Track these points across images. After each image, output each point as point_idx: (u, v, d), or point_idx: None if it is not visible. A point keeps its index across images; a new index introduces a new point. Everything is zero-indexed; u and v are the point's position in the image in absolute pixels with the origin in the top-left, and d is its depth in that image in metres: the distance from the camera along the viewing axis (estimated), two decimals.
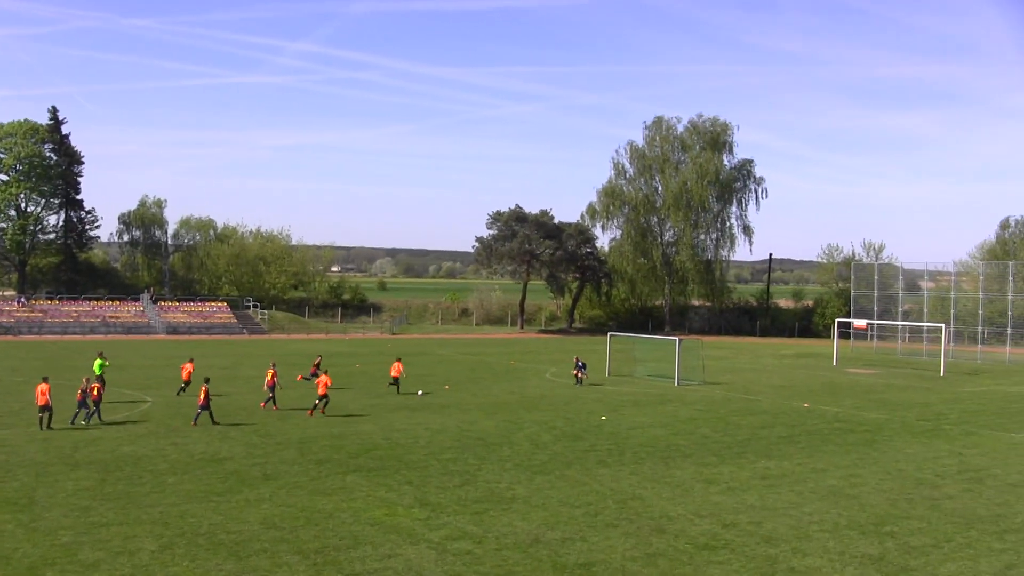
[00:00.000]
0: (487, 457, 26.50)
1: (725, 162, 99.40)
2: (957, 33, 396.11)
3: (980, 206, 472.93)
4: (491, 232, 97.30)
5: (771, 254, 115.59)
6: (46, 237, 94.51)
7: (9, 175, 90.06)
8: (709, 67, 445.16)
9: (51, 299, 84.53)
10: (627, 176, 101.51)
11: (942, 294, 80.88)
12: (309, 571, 15.93)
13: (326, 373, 35.85)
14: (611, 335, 55.36)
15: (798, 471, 25.41)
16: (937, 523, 20.05)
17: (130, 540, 17.49)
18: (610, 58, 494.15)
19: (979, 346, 73.26)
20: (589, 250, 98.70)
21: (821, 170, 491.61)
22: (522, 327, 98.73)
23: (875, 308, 78.85)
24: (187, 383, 38.98)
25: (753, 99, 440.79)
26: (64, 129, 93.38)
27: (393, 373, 41.64)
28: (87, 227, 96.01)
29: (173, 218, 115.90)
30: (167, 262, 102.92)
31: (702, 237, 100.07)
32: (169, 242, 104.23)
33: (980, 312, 75.64)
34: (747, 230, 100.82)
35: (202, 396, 31.44)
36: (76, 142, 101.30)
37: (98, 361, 38.54)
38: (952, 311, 76.51)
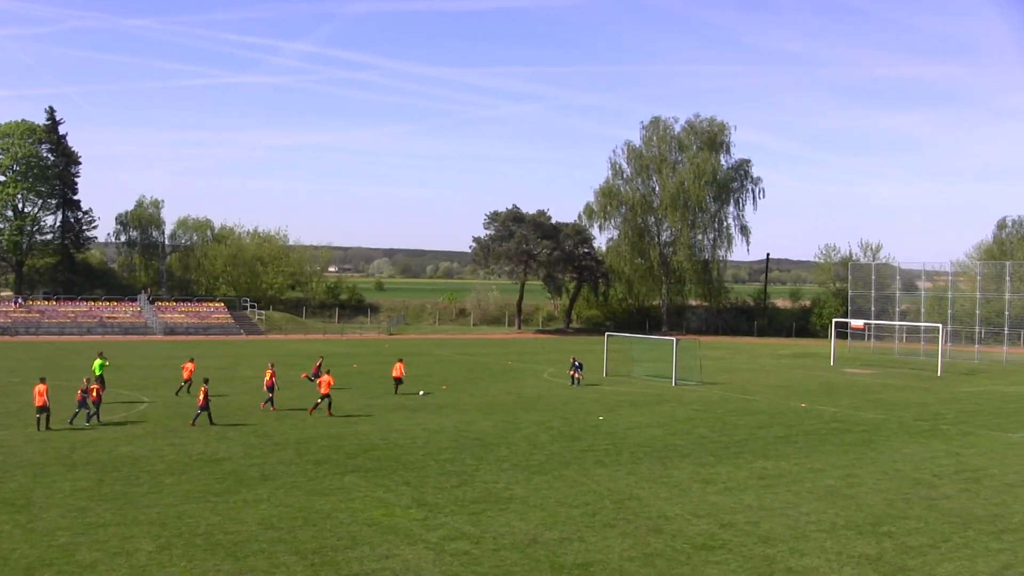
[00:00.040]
0: (485, 457, 26.50)
1: (722, 162, 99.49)
2: (955, 33, 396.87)
3: (977, 206, 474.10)
4: (488, 232, 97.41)
5: (768, 254, 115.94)
6: (43, 237, 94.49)
7: (6, 175, 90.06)
8: (707, 67, 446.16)
9: (48, 300, 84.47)
10: (624, 176, 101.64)
11: (939, 294, 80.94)
12: (307, 571, 15.92)
13: (328, 373, 35.84)
14: (608, 335, 55.37)
15: (795, 471, 25.43)
16: (934, 523, 20.07)
17: (128, 541, 17.48)
18: (608, 58, 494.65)
19: (976, 346, 73.37)
20: (586, 250, 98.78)
21: (819, 170, 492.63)
22: (519, 327, 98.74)
23: (872, 308, 78.90)
24: (188, 382, 38.98)
25: (751, 99, 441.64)
26: (61, 129, 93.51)
27: (395, 374, 41.61)
28: (84, 227, 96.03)
29: (170, 218, 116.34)
30: (164, 262, 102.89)
31: (699, 237, 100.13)
32: (166, 242, 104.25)
33: (977, 312, 75.73)
34: (744, 230, 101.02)
35: (201, 396, 31.42)
36: (73, 142, 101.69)
37: (98, 361, 38.51)
38: (949, 311, 76.57)
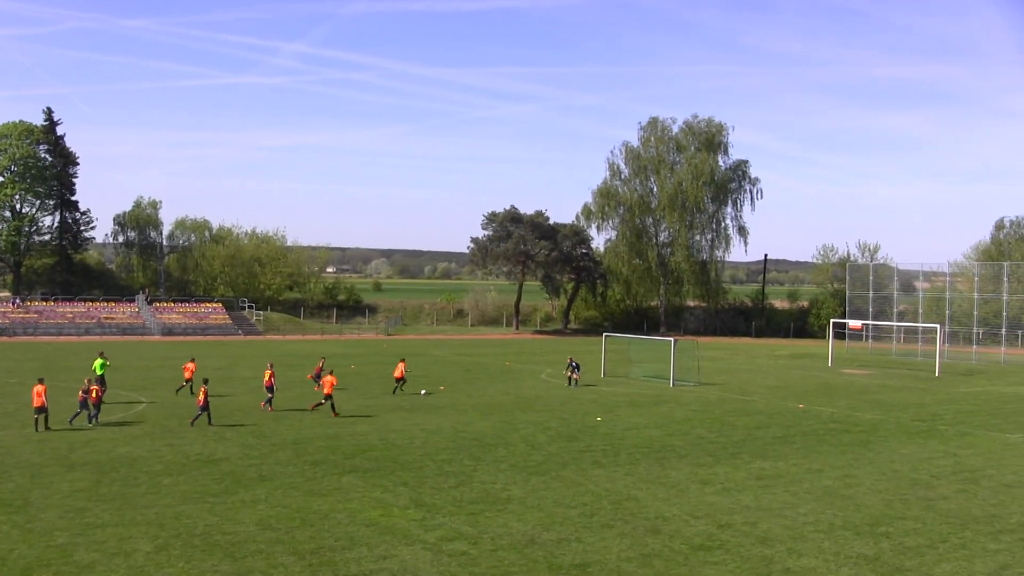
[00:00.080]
0: (482, 458, 26.51)
1: (720, 163, 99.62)
2: (954, 34, 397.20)
3: (976, 207, 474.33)
4: (486, 233, 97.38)
5: (766, 255, 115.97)
6: (41, 238, 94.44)
7: (4, 176, 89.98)
8: (706, 67, 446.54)
9: (46, 300, 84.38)
10: (622, 177, 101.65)
11: (937, 295, 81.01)
12: (304, 572, 15.93)
13: (331, 373, 35.84)
14: (606, 336, 55.38)
15: (793, 472, 25.45)
16: (932, 524, 20.09)
17: (125, 541, 17.48)
18: (606, 59, 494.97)
19: (974, 347, 73.44)
20: (584, 251, 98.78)
21: (817, 171, 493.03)
22: (517, 328, 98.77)
23: (870, 309, 78.98)
24: (189, 382, 38.99)
25: (750, 100, 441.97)
26: (59, 130, 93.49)
27: (397, 374, 41.66)
28: (82, 228, 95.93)
29: (168, 219, 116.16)
30: (162, 263, 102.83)
31: (697, 238, 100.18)
32: (164, 243, 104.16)
33: (975, 313, 75.81)
34: (742, 231, 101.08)
35: (201, 397, 31.42)
36: (71, 143, 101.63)
37: (99, 361, 38.50)
38: (947, 312, 76.65)
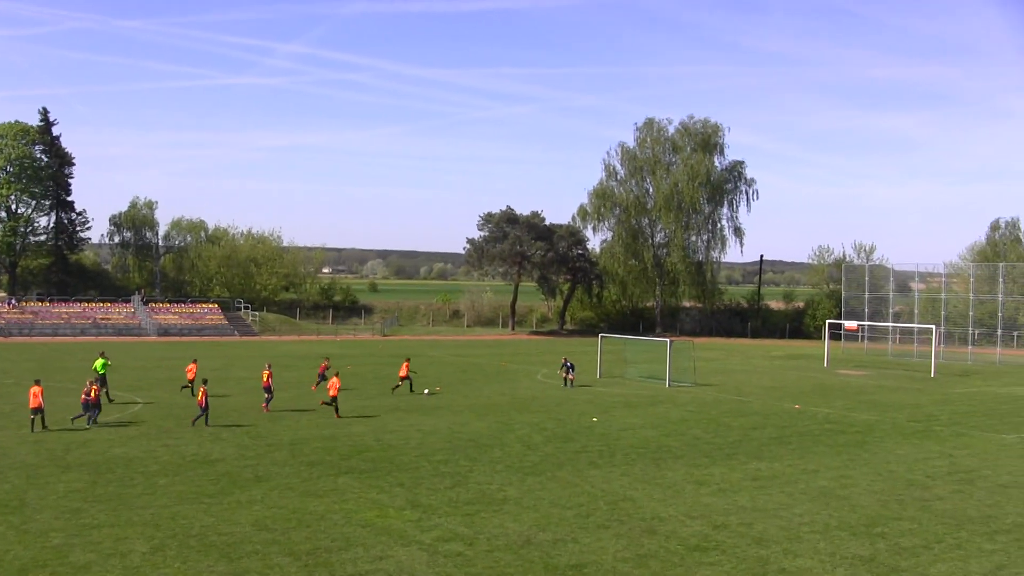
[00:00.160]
0: (478, 459, 26.52)
1: (716, 163, 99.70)
2: (950, 35, 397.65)
3: (972, 207, 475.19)
4: (482, 234, 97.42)
5: (762, 256, 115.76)
6: (37, 239, 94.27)
7: None
8: (702, 68, 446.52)
9: (42, 301, 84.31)
10: (618, 178, 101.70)
11: (933, 295, 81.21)
12: (300, 573, 15.93)
13: (337, 375, 35.81)
14: (602, 336, 55.42)
15: (789, 472, 25.49)
16: (928, 524, 20.12)
17: (121, 542, 17.46)
18: (603, 59, 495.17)
19: (969, 347, 73.54)
20: (580, 251, 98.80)
21: (813, 171, 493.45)
22: (513, 329, 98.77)
23: (866, 309, 79.06)
24: (191, 383, 39.02)
25: (746, 100, 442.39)
26: (55, 130, 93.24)
27: (401, 373, 41.84)
28: (78, 229, 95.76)
29: (164, 220, 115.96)
30: (158, 264, 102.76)
31: (693, 238, 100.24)
32: (160, 244, 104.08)
33: (970, 313, 75.94)
34: (738, 231, 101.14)
35: (201, 397, 31.40)
36: (67, 143, 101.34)
37: (100, 361, 38.47)
38: (943, 312, 76.80)
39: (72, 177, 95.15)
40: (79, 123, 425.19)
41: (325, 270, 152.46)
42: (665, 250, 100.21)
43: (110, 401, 35.96)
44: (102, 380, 36.07)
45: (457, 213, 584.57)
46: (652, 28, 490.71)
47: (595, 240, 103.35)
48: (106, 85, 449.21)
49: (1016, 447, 30.81)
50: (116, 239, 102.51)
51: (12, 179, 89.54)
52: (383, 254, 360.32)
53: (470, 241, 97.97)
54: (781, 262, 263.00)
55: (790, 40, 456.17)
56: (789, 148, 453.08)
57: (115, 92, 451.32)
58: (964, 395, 46.50)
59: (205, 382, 32.96)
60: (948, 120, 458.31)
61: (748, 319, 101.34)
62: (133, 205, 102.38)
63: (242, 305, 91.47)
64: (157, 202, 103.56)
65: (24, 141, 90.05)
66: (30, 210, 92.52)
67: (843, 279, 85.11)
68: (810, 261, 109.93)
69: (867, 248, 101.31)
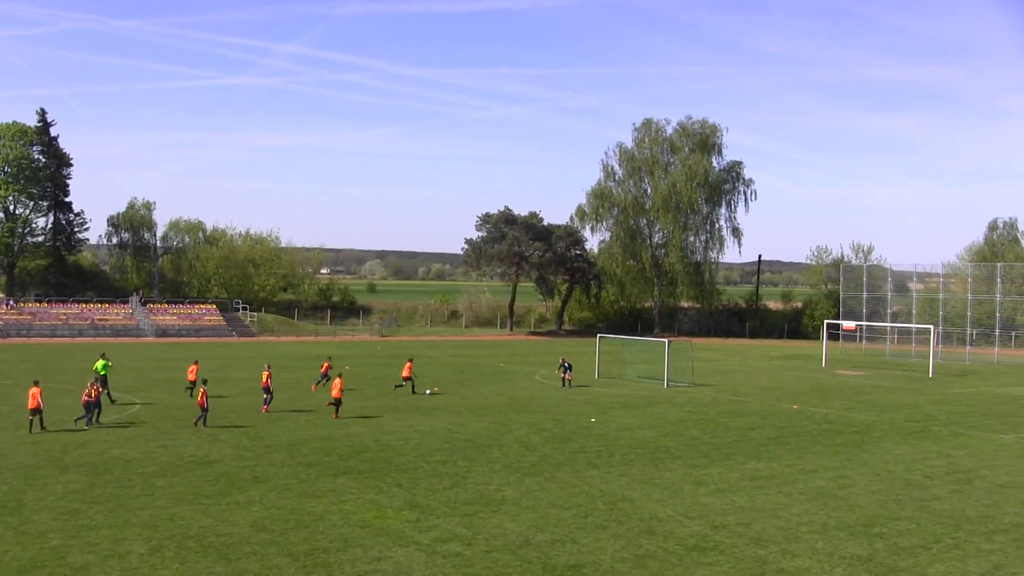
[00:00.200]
0: (476, 459, 26.51)
1: (714, 164, 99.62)
2: (948, 35, 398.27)
3: (970, 208, 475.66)
4: (480, 234, 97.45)
5: (760, 256, 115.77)
6: (34, 239, 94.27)
7: None
8: (701, 68, 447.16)
9: (40, 302, 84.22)
10: (616, 178, 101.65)
11: (931, 296, 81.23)
12: (299, 573, 15.93)
13: (340, 376, 35.80)
14: (600, 337, 55.43)
15: (787, 472, 25.50)
16: (926, 524, 20.14)
17: (120, 543, 17.45)
18: (602, 60, 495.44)
19: (967, 347, 73.59)
20: (578, 252, 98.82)
21: (811, 172, 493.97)
22: (511, 329, 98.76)
23: (864, 310, 79.09)
24: (193, 384, 39.02)
25: (745, 101, 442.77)
26: (53, 131, 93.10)
27: (404, 373, 41.99)
28: (76, 229, 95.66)
29: (162, 220, 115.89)
30: (156, 264, 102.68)
31: (691, 239, 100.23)
32: (158, 244, 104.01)
33: (968, 314, 75.98)
34: (736, 232, 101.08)
35: (201, 398, 31.39)
36: (65, 144, 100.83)
37: (100, 361, 38.47)
38: (941, 312, 76.85)
39: (70, 178, 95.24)
40: (77, 123, 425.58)
41: (323, 271, 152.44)
42: (663, 250, 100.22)
43: (112, 402, 35.94)
44: (103, 381, 36.10)
45: (455, 213, 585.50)
46: (651, 28, 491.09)
47: (593, 240, 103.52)
48: (104, 85, 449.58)
49: (1014, 447, 30.83)
50: (114, 240, 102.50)
51: (10, 180, 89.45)
52: (381, 254, 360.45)
53: (468, 241, 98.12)
54: (779, 262, 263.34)
55: (789, 40, 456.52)
56: (787, 148, 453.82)
57: (113, 92, 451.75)
58: (962, 395, 46.53)
59: (205, 383, 32.96)
60: (947, 121, 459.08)
61: (746, 319, 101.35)
62: (131, 206, 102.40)
63: (240, 306, 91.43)
64: (155, 203, 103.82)
65: (22, 142, 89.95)
66: (28, 211, 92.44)
67: (841, 279, 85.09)
68: (808, 261, 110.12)
69: (865, 248, 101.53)
